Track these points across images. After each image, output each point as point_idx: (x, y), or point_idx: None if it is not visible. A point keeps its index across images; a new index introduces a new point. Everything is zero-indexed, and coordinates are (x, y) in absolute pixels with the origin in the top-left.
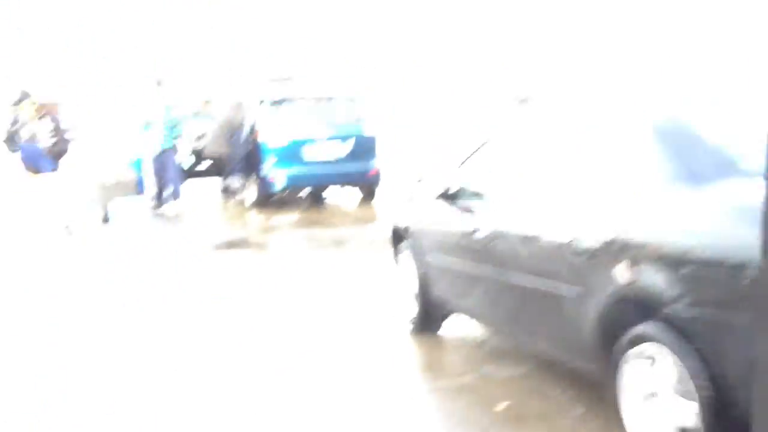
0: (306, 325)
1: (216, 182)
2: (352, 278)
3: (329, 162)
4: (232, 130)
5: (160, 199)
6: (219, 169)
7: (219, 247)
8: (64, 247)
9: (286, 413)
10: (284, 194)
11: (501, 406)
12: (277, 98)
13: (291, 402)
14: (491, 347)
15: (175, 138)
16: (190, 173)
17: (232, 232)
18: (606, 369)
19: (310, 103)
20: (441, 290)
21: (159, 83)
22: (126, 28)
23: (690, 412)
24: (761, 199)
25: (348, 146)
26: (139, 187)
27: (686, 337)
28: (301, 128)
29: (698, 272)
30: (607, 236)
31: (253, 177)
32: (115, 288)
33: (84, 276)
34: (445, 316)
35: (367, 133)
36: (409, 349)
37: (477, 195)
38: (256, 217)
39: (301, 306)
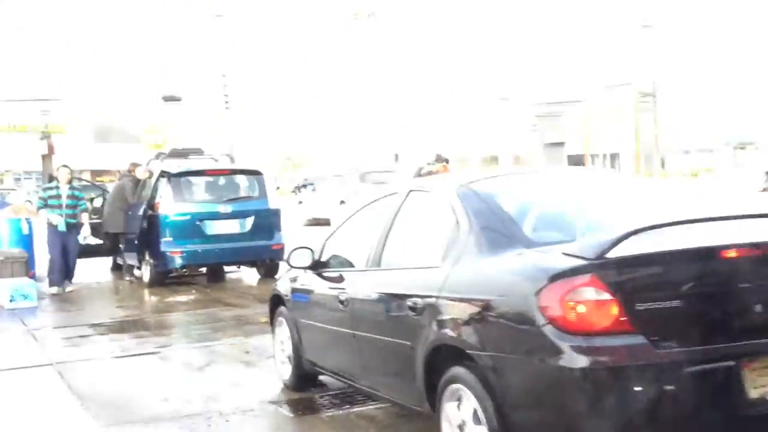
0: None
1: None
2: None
3: (231, 237)
4: (129, 204)
5: (56, 279)
6: (114, 245)
7: (105, 331)
8: None
9: None
10: (183, 271)
11: None
12: (178, 170)
13: None
14: None
15: (81, 212)
16: (85, 251)
17: (124, 313)
18: (437, 409)
19: (213, 176)
20: (311, 351)
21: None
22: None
23: None
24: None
25: (251, 221)
26: (30, 266)
27: (479, 378)
28: (202, 202)
29: (478, 321)
30: (427, 297)
31: (151, 253)
32: None
33: None
34: (315, 376)
35: (271, 206)
36: None
37: (340, 264)
38: (151, 297)
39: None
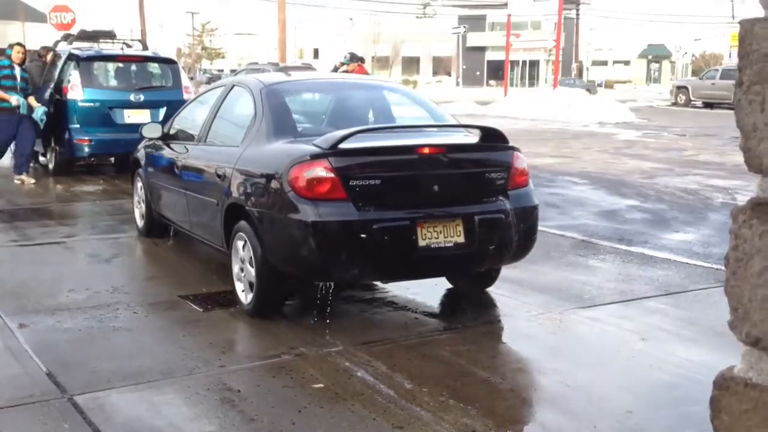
0: None
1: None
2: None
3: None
4: (35, 89)
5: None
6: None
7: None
8: None
9: None
10: (91, 160)
11: None
12: (88, 54)
13: None
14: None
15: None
16: None
17: (28, 200)
18: (229, 249)
19: (125, 62)
20: (157, 205)
21: None
22: None
23: (253, 273)
24: (297, 150)
25: (163, 111)
26: None
27: (252, 228)
28: (113, 89)
29: (255, 187)
30: (227, 168)
31: (57, 140)
32: None
33: None
34: (163, 225)
35: (185, 97)
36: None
37: (180, 137)
38: (57, 185)
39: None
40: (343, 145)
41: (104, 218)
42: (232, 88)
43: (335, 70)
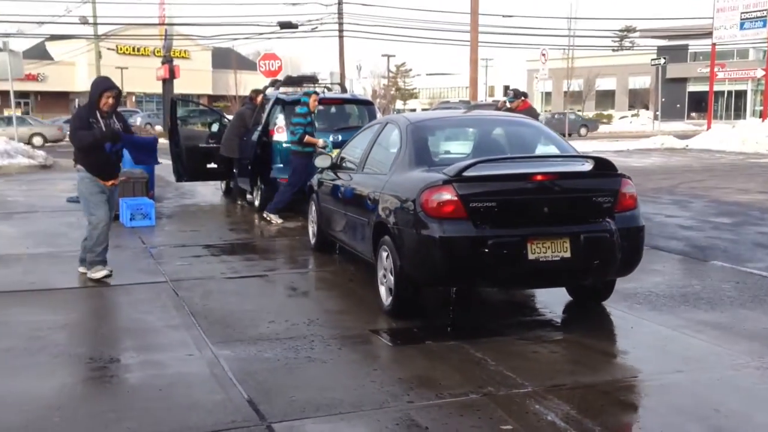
0: None
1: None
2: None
3: None
4: (246, 130)
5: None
6: (228, 169)
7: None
8: None
9: None
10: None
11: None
12: (294, 98)
13: None
14: None
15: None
16: (197, 174)
17: (235, 236)
18: (376, 259)
19: (326, 105)
20: (325, 224)
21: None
22: None
23: (393, 281)
24: (429, 177)
25: None
26: (150, 186)
27: (393, 242)
28: (317, 130)
29: (395, 208)
30: (376, 192)
31: (263, 179)
32: None
33: None
34: (331, 242)
35: None
36: None
37: (345, 166)
38: (261, 222)
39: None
40: (467, 173)
41: (302, 253)
42: (386, 125)
43: (497, 108)
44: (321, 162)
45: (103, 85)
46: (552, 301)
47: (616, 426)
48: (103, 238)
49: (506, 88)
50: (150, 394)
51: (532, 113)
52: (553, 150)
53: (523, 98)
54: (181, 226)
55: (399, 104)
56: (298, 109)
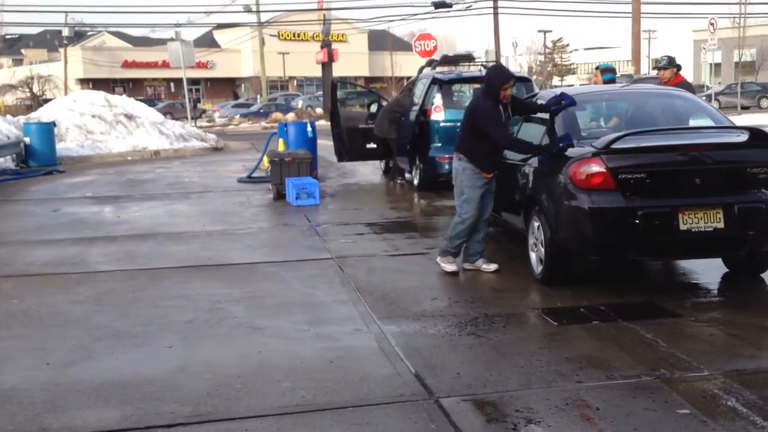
0: None
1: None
2: None
3: None
4: (400, 112)
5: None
6: (387, 149)
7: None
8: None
9: None
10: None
11: None
12: (450, 77)
13: None
14: None
15: None
16: (358, 154)
17: (396, 214)
18: (527, 230)
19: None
20: None
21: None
22: None
23: (543, 251)
24: (577, 150)
25: None
26: (313, 166)
27: (543, 213)
28: None
29: (545, 180)
30: (529, 167)
31: (421, 158)
32: None
33: None
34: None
35: None
36: None
37: None
38: (420, 200)
39: None
40: (616, 146)
41: None
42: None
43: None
44: None
45: (503, 75)
46: (727, 284)
47: None
48: (465, 233)
49: (666, 57)
50: (322, 366)
51: (689, 89)
52: (706, 122)
53: (676, 69)
54: (344, 204)
55: (556, 80)
56: None
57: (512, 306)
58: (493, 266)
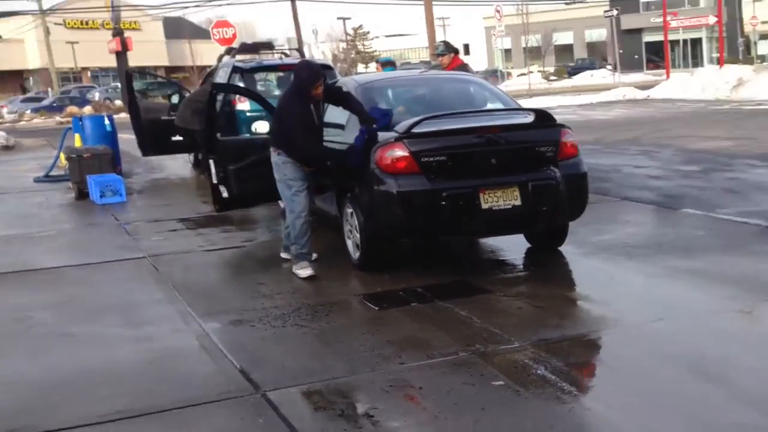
0: None
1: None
2: None
3: None
4: (203, 101)
5: None
6: (194, 141)
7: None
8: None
9: None
10: None
11: None
12: (252, 65)
13: None
14: None
15: None
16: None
17: (209, 208)
18: (341, 217)
19: (285, 71)
20: None
21: None
22: None
23: (359, 237)
24: (382, 135)
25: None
26: (116, 161)
27: (356, 200)
28: (277, 98)
29: (351, 170)
30: (335, 154)
31: None
32: None
33: None
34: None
35: None
36: None
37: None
38: None
39: None
40: (416, 129)
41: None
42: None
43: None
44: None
45: (314, 75)
46: (531, 258)
47: (604, 376)
48: (306, 227)
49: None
50: (141, 369)
51: (465, 69)
52: (498, 105)
53: (454, 53)
54: (153, 200)
55: (361, 67)
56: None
57: (334, 294)
58: (308, 272)
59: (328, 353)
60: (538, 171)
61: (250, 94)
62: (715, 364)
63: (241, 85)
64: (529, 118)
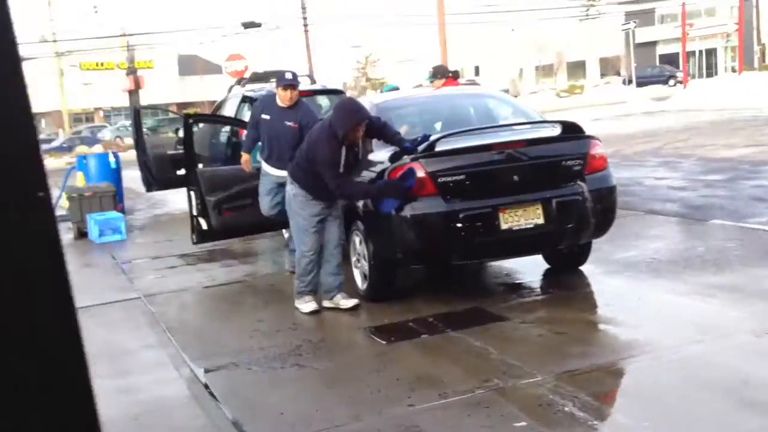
0: None
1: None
2: None
3: None
4: (211, 133)
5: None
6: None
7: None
8: None
9: None
10: None
11: None
12: (261, 94)
13: None
14: None
15: None
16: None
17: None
18: (348, 245)
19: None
20: None
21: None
22: None
23: (367, 266)
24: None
25: None
26: (118, 200)
27: (365, 226)
28: None
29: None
30: None
31: None
32: None
33: None
34: None
35: None
36: None
37: None
38: None
39: None
40: (429, 149)
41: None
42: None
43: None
44: None
45: (353, 117)
46: (549, 280)
47: (639, 409)
48: (312, 267)
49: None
50: (125, 426)
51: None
52: (519, 118)
53: (444, 77)
54: (154, 237)
55: (371, 93)
56: None
57: (338, 328)
58: (353, 302)
59: (330, 397)
60: (562, 186)
61: (229, 121)
62: (759, 390)
63: (249, 114)
64: (556, 131)
